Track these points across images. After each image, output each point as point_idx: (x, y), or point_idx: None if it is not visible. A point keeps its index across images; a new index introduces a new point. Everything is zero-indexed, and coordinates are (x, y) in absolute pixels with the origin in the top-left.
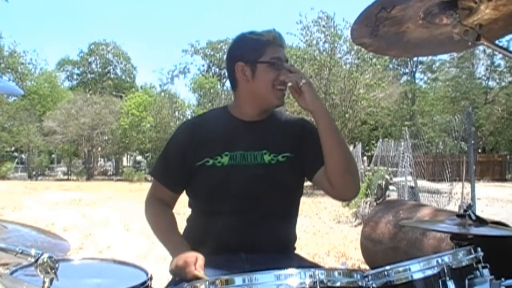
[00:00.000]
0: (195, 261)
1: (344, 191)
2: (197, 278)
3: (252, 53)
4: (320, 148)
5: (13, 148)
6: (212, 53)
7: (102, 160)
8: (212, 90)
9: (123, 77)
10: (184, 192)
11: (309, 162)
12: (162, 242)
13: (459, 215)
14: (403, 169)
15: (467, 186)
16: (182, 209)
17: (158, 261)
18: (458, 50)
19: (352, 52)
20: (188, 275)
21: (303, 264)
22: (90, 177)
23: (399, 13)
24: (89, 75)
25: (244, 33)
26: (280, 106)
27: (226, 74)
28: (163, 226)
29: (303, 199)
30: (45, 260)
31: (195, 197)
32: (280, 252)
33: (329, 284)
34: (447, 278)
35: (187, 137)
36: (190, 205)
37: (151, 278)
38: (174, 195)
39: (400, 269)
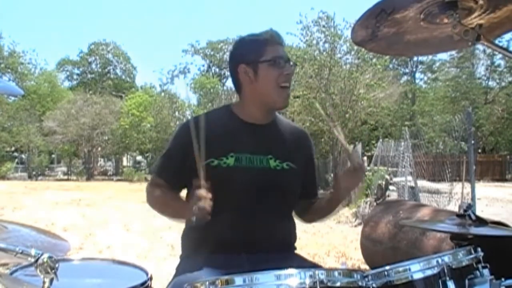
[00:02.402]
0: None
1: (306, 222)
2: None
3: (252, 53)
4: (314, 179)
5: (13, 148)
6: (212, 53)
7: (102, 160)
8: (212, 90)
9: (123, 77)
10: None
11: (304, 189)
12: (171, 215)
13: (459, 215)
14: (403, 169)
15: (467, 186)
16: None
17: (158, 261)
18: (459, 48)
19: (352, 52)
20: (203, 197)
21: (303, 264)
22: (90, 177)
23: (399, 15)
24: (89, 75)
25: (243, 36)
26: (284, 108)
27: (230, 77)
28: (169, 199)
29: None
30: (45, 260)
31: None
32: (281, 252)
33: (329, 284)
34: (447, 278)
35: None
36: None
37: (151, 278)
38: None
39: (400, 269)
